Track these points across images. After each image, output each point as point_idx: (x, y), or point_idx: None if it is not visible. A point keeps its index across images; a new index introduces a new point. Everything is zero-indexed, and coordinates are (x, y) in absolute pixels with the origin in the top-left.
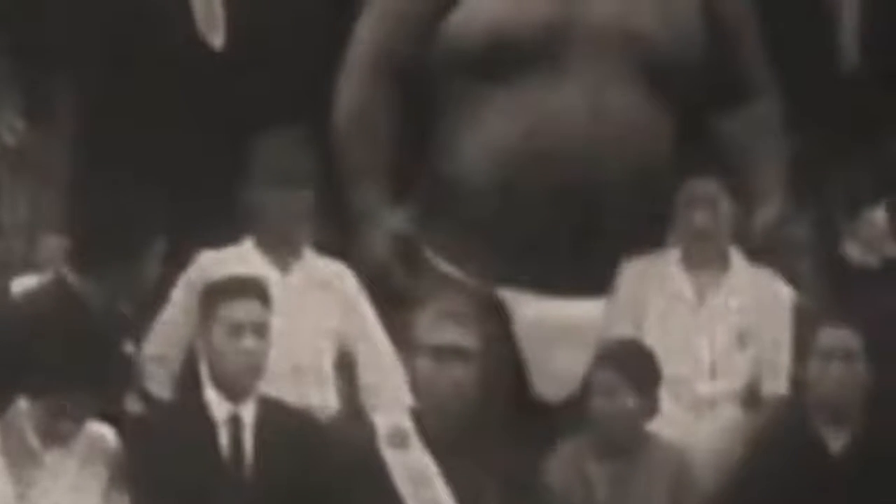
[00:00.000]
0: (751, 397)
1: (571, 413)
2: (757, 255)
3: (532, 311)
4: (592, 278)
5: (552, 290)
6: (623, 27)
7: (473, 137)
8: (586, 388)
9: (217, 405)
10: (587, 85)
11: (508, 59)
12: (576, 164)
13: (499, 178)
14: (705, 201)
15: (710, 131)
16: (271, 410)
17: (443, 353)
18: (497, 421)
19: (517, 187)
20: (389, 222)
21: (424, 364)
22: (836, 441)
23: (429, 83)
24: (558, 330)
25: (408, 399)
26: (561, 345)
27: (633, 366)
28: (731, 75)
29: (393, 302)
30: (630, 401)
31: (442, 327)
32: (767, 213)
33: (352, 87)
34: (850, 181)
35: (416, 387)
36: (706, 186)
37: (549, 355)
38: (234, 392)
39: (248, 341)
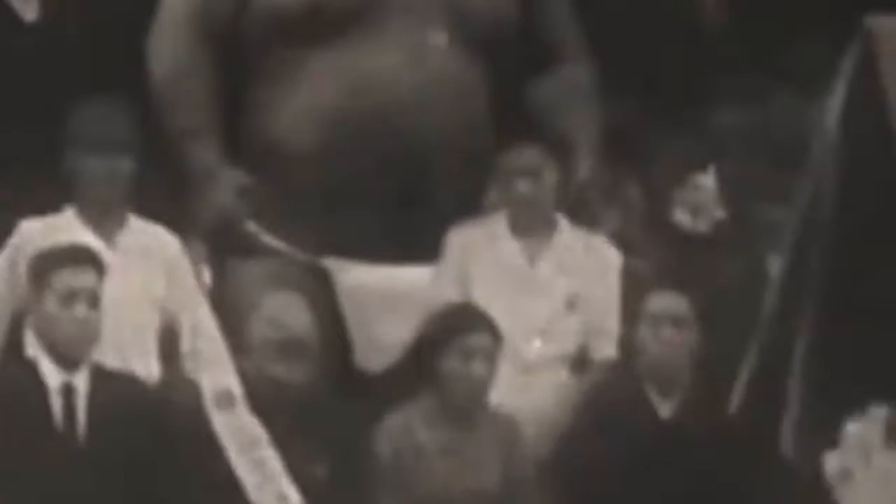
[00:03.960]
0: (580, 361)
1: (393, 382)
2: (572, 211)
3: (355, 278)
4: (416, 244)
5: (376, 257)
6: None
7: (294, 102)
8: (432, 351)
9: (50, 374)
10: (406, 44)
11: (326, 20)
12: (398, 125)
13: (320, 142)
14: (528, 171)
15: (525, 96)
16: (104, 378)
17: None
18: (322, 390)
19: (339, 151)
20: (232, 176)
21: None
22: (666, 406)
23: (247, 47)
24: (382, 298)
25: (230, 363)
26: (384, 313)
27: (488, 329)
28: (541, 40)
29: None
30: (485, 365)
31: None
32: (579, 172)
33: (169, 47)
34: (679, 146)
35: (246, 352)
36: (529, 156)
37: (372, 323)
38: (67, 360)
39: (81, 309)
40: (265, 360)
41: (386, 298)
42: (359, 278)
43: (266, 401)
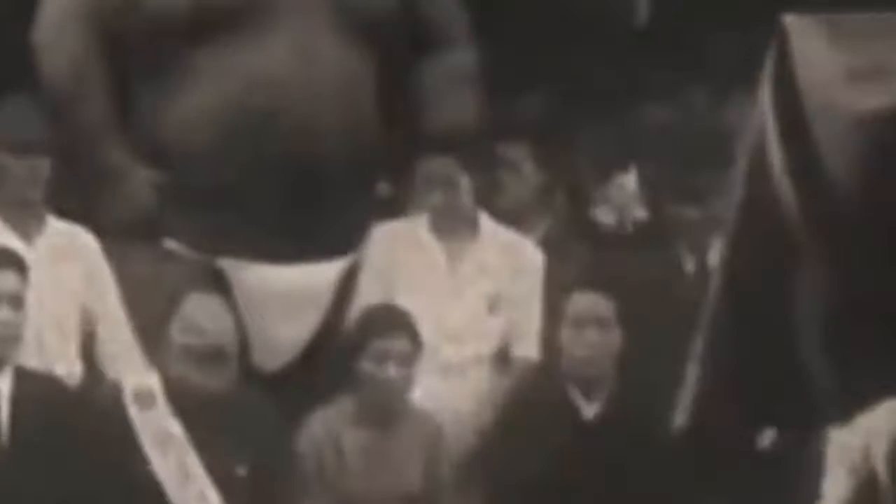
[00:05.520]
0: (502, 362)
1: (290, 381)
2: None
3: (251, 278)
4: (311, 242)
5: (271, 256)
6: None
7: (185, 101)
8: (350, 353)
9: None
10: (296, 38)
11: (213, 19)
12: (290, 123)
13: (213, 142)
14: (441, 180)
15: (409, 82)
16: (27, 380)
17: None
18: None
19: (232, 150)
20: (146, 174)
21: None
22: (589, 407)
23: (134, 46)
24: (278, 296)
25: (148, 363)
26: (281, 311)
27: (407, 332)
28: (425, 26)
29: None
30: (401, 368)
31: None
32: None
33: (62, 43)
34: (601, 145)
35: (164, 355)
36: (442, 167)
37: (269, 322)
38: None
39: (5, 312)
40: (184, 365)
41: (282, 297)
42: (255, 278)
43: (185, 402)
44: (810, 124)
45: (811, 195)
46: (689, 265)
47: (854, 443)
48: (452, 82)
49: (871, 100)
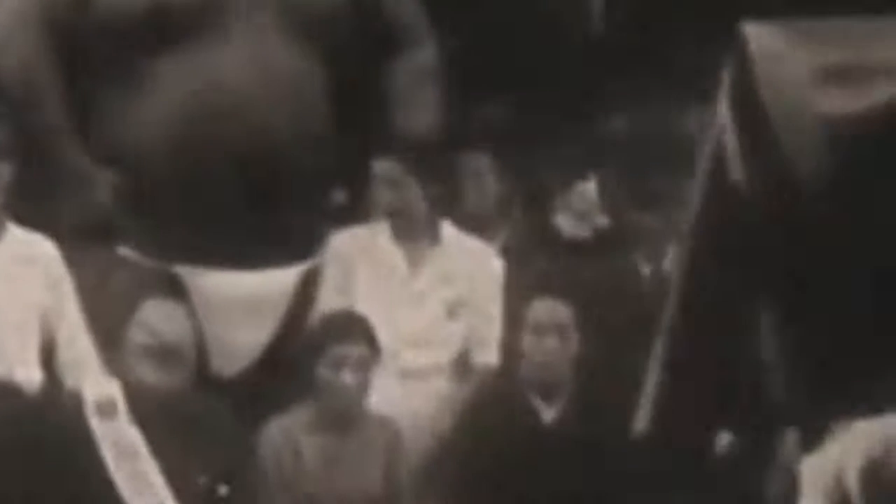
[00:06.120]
0: (462, 368)
1: (247, 386)
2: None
3: (209, 284)
4: (269, 247)
5: (228, 262)
6: None
7: (140, 108)
8: (308, 358)
9: None
10: (250, 43)
11: (168, 25)
12: (247, 126)
13: (169, 149)
14: (391, 183)
15: (370, 84)
16: None
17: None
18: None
19: (188, 156)
20: (107, 177)
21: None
22: (548, 412)
23: (89, 52)
24: (236, 302)
25: (104, 372)
26: (238, 317)
27: (364, 339)
28: (382, 26)
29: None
30: (358, 374)
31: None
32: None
33: (16, 48)
34: (562, 153)
35: (120, 358)
36: (389, 170)
37: (227, 328)
38: None
39: None
40: (141, 366)
41: (240, 303)
42: (212, 284)
43: (144, 410)
44: (774, 131)
45: (775, 201)
46: (646, 271)
47: (826, 467)
48: (417, 82)
49: (839, 104)
